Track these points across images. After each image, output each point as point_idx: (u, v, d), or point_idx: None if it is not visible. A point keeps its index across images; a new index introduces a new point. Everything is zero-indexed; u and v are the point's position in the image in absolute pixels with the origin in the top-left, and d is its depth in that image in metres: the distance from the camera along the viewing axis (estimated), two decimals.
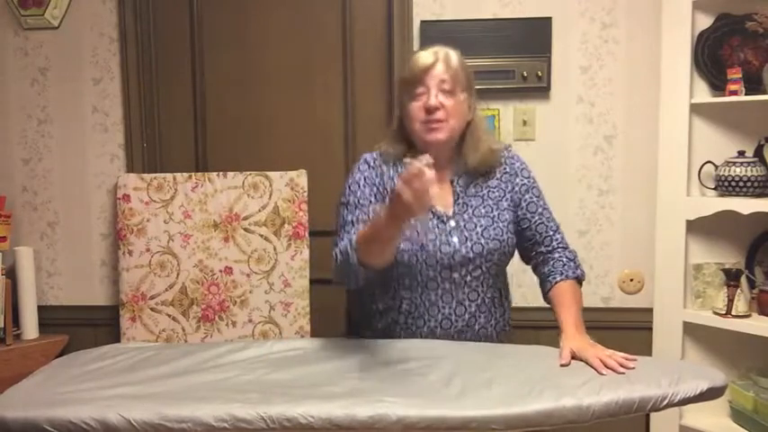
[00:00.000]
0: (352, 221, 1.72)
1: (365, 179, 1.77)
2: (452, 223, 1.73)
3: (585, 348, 1.59)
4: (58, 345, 2.61)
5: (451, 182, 1.77)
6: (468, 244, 1.72)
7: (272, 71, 2.62)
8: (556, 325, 2.46)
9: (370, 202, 1.74)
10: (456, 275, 1.73)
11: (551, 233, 1.80)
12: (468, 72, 1.76)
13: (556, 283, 1.77)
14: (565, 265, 1.78)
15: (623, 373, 1.48)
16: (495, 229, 1.74)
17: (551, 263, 1.79)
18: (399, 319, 1.78)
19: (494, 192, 1.78)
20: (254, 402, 1.39)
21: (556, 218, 1.84)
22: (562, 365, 1.55)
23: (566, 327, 1.69)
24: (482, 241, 1.73)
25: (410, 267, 1.72)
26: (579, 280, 1.79)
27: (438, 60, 1.69)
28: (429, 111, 1.68)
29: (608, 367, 1.50)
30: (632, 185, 2.49)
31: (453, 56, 1.72)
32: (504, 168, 1.81)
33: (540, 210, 1.80)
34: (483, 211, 1.75)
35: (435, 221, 1.73)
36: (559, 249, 1.80)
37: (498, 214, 1.76)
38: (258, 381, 1.55)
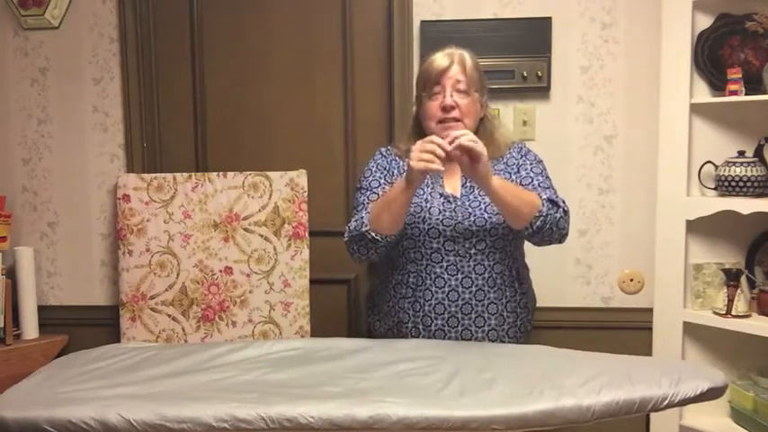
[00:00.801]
0: (364, 203, 1.85)
1: (377, 166, 1.94)
2: (458, 201, 1.83)
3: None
4: (58, 345, 2.61)
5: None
6: (472, 218, 1.80)
7: (272, 71, 2.61)
8: (556, 325, 2.49)
9: (380, 185, 1.88)
10: (460, 248, 1.81)
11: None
12: (481, 72, 1.89)
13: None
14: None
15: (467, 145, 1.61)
16: None
17: None
18: (407, 293, 1.85)
19: (500, 173, 1.86)
20: (253, 402, 1.39)
21: (557, 193, 1.85)
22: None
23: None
24: (485, 215, 1.80)
25: (414, 240, 1.82)
26: (552, 201, 1.77)
27: (454, 62, 1.82)
28: (445, 110, 1.79)
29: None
30: (632, 185, 2.49)
31: (468, 57, 1.86)
32: (512, 153, 1.92)
33: (535, 182, 1.84)
34: None
35: (442, 200, 1.83)
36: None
37: None
38: (258, 381, 1.55)
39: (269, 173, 2.52)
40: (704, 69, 2.33)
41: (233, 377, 1.57)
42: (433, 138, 1.66)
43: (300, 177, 2.52)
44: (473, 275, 1.81)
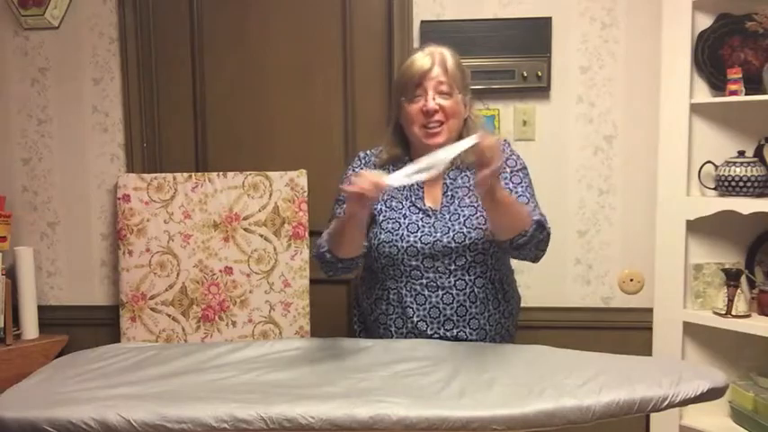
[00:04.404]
0: (336, 216, 1.81)
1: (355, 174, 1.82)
2: (437, 216, 1.76)
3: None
4: (58, 345, 2.61)
5: (443, 176, 1.80)
6: (450, 234, 1.74)
7: (272, 71, 2.61)
8: (556, 325, 2.49)
9: None
10: (439, 265, 1.75)
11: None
12: (464, 70, 1.79)
13: None
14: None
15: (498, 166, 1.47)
16: (477, 218, 1.74)
17: None
18: (389, 310, 1.80)
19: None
20: (253, 402, 1.39)
21: (538, 207, 1.77)
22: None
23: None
24: (464, 231, 1.73)
25: (392, 258, 1.76)
26: (540, 223, 1.69)
27: (435, 63, 1.73)
28: (428, 114, 1.71)
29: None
30: (632, 185, 2.49)
31: (449, 56, 1.75)
32: None
33: (519, 190, 1.75)
34: (468, 200, 1.77)
35: (421, 215, 1.77)
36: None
37: None
38: (258, 381, 1.55)
39: (269, 173, 2.52)
40: (704, 69, 2.33)
41: (233, 377, 1.57)
42: (366, 176, 1.53)
43: (300, 177, 2.52)
44: (454, 291, 1.75)
